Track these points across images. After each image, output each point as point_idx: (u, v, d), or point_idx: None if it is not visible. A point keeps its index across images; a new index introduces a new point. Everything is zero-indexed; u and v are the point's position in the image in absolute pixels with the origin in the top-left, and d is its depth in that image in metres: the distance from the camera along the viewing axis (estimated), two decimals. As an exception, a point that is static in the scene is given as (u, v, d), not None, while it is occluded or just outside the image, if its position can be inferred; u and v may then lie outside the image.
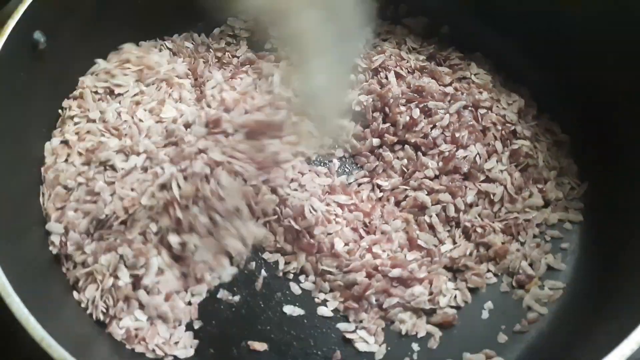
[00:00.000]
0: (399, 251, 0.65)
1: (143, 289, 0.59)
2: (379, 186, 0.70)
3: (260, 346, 0.60)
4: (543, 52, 0.74)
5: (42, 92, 0.66)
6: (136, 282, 0.59)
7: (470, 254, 0.64)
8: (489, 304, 0.63)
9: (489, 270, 0.64)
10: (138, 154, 0.65)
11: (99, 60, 0.73)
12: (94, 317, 0.59)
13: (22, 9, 0.60)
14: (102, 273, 0.59)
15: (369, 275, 0.62)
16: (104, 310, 0.59)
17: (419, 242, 0.65)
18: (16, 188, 0.61)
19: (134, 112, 0.69)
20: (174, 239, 0.60)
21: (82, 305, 0.59)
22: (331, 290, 0.63)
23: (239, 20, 0.83)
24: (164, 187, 0.61)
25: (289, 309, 0.62)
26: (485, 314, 0.62)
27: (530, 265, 0.64)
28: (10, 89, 0.60)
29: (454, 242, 0.65)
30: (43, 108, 0.67)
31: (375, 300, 0.61)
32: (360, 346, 0.60)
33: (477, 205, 0.67)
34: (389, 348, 0.60)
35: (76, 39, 0.68)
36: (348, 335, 0.60)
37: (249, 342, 0.60)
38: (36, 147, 0.66)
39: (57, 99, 0.69)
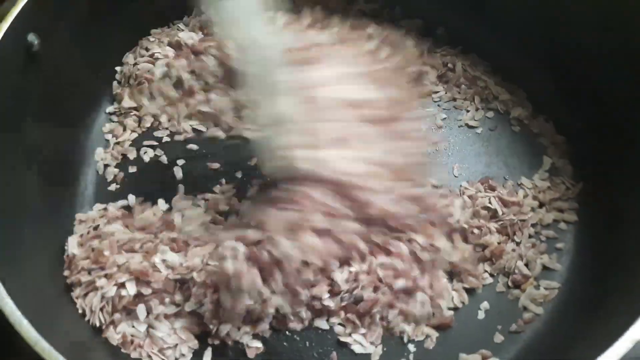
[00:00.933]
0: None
1: (144, 304, 0.59)
2: None
3: (256, 348, 0.60)
4: (539, 54, 0.74)
5: (36, 95, 0.65)
6: (139, 297, 0.59)
7: (469, 257, 0.64)
8: (485, 305, 0.63)
9: (485, 271, 0.64)
10: None
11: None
12: (90, 322, 0.58)
13: (15, 11, 0.59)
14: (104, 281, 0.58)
15: (376, 289, 0.60)
16: (101, 319, 0.58)
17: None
18: (12, 187, 0.60)
19: None
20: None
21: (80, 311, 0.59)
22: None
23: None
24: None
25: (285, 311, 0.62)
26: (481, 315, 0.62)
27: (526, 265, 0.64)
28: (4, 91, 0.60)
29: (453, 247, 0.65)
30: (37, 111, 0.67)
31: (379, 317, 0.60)
32: (356, 348, 0.60)
33: (468, 208, 0.67)
34: (384, 349, 0.60)
35: (70, 40, 0.68)
36: (343, 338, 0.60)
37: (245, 344, 0.60)
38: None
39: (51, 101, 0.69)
